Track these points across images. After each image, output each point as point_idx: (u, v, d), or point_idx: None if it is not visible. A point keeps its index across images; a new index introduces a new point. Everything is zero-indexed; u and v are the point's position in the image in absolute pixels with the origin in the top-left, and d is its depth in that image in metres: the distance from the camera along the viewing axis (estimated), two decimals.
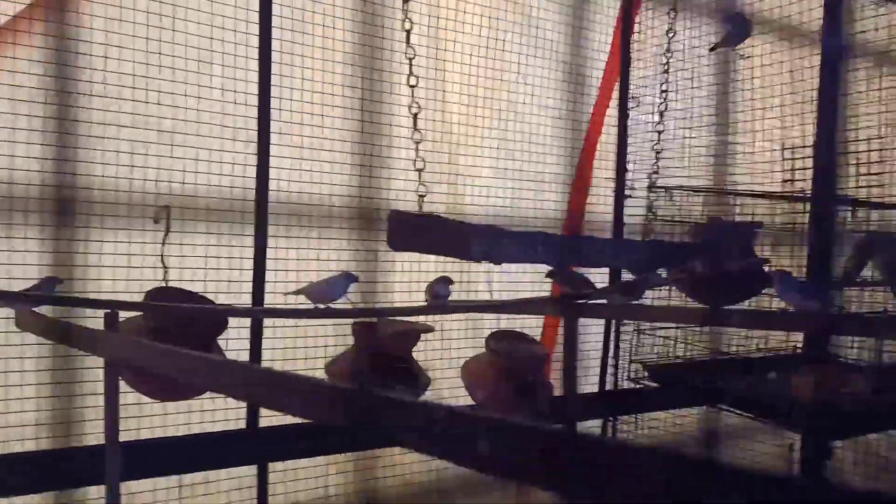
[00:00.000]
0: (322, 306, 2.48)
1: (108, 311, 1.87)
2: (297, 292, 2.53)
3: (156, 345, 1.56)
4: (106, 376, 1.90)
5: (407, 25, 2.69)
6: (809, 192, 3.32)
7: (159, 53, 2.56)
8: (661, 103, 3.35)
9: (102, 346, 1.78)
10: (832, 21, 3.53)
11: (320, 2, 2.82)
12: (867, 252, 3.16)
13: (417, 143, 2.64)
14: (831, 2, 3.53)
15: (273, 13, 2.72)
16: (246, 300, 2.72)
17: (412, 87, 2.68)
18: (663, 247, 2.69)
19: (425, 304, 2.52)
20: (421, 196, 2.64)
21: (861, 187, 3.13)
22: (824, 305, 2.46)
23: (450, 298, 2.67)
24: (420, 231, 2.09)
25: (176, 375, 1.64)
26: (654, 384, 3.34)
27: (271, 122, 2.74)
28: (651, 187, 3.39)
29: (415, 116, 2.68)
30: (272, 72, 2.73)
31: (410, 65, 2.70)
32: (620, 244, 2.83)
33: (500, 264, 2.49)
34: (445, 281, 2.42)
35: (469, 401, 3.02)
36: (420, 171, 2.66)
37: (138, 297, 2.38)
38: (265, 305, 2.75)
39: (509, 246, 2.08)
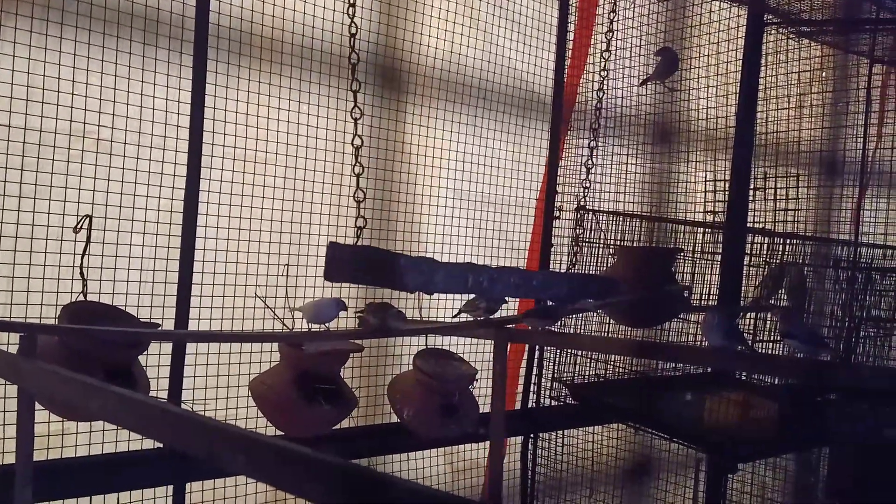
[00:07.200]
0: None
1: (24, 334, 1.74)
2: (297, 309, 2.57)
3: (82, 378, 1.46)
4: (20, 403, 1.78)
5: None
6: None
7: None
8: (594, 121, 3.41)
9: (18, 374, 1.66)
10: (752, 56, 3.71)
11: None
12: (779, 280, 3.35)
13: (358, 175, 2.62)
14: (752, 38, 3.71)
15: None
16: None
17: (355, 119, 2.65)
18: (587, 279, 2.75)
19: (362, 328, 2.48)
20: (360, 228, 2.62)
21: (778, 219, 3.30)
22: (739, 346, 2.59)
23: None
24: (355, 263, 2.08)
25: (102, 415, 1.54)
26: (575, 402, 3.40)
27: None
28: (578, 209, 3.45)
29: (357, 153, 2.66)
30: None
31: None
32: (546, 276, 2.88)
33: (432, 294, 2.50)
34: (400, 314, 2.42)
35: (395, 419, 3.01)
36: (360, 201, 2.63)
37: None
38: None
39: (441, 277, 2.10)
